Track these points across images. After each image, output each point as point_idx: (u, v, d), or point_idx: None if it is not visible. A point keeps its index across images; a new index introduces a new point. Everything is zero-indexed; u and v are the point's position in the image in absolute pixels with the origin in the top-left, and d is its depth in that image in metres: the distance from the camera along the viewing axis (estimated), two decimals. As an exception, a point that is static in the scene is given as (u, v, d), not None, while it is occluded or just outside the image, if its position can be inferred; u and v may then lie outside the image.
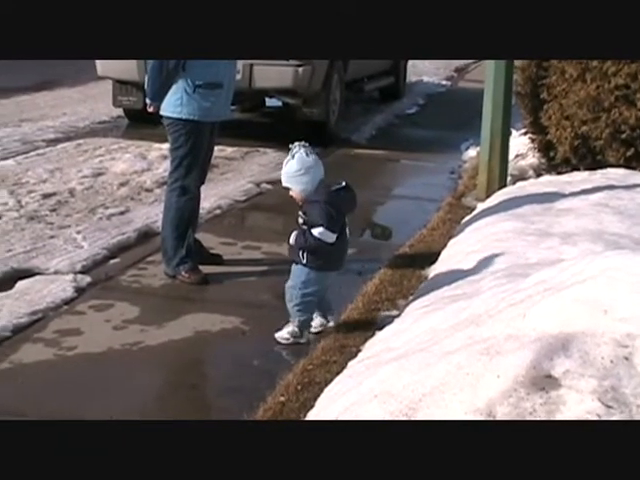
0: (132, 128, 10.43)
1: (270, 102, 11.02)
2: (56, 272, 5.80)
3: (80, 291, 5.51)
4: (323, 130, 10.23)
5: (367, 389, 3.50)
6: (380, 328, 4.65)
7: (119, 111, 10.81)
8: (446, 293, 4.62)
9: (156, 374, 4.64)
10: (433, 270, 5.63)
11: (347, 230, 4.92)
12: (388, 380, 3.46)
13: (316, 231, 4.71)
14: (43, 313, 5.16)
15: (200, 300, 5.48)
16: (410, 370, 3.45)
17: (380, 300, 5.35)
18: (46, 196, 7.53)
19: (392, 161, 10.03)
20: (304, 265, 4.79)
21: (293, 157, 4.77)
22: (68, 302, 5.32)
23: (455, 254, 5.58)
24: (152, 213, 7.10)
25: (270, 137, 10.06)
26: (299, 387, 4.25)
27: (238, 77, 9.20)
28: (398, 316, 4.80)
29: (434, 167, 9.67)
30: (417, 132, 11.56)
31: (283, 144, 9.80)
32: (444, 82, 16.46)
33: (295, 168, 4.75)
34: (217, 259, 6.10)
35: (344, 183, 4.86)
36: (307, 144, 4.84)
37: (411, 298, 5.13)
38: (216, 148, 9.47)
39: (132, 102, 10.25)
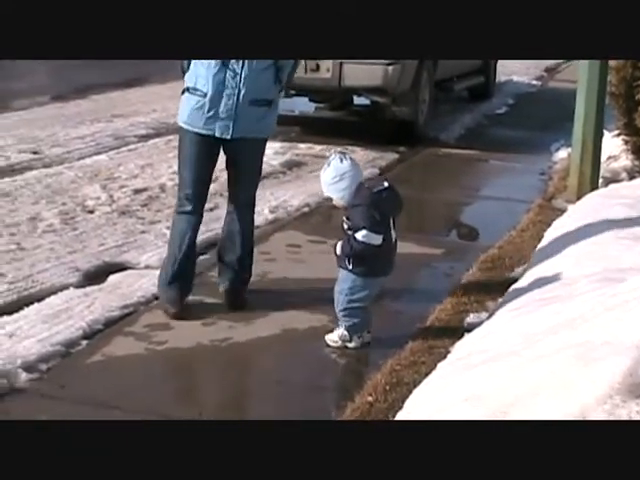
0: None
1: (358, 100, 11.01)
2: (147, 266, 5.88)
3: (170, 286, 5.55)
4: (411, 129, 10.19)
5: (457, 392, 3.47)
6: (469, 330, 4.61)
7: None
8: (538, 296, 4.55)
9: (243, 371, 4.67)
10: (523, 272, 5.55)
11: (393, 233, 4.74)
12: (478, 383, 3.43)
13: (360, 234, 4.59)
14: (134, 307, 5.23)
15: (288, 297, 5.48)
16: (501, 374, 3.40)
17: (469, 302, 5.30)
18: (137, 191, 7.63)
19: (481, 161, 9.93)
20: (350, 271, 4.71)
21: (329, 165, 4.66)
22: (157, 297, 5.37)
23: (546, 256, 5.49)
24: (241, 210, 7.14)
25: (358, 136, 10.06)
26: (387, 387, 4.24)
27: (327, 75, 9.27)
28: (488, 318, 4.75)
29: (523, 168, 9.55)
30: (506, 132, 11.43)
31: (371, 143, 9.90)
32: (534, 82, 16.24)
33: (331, 175, 4.64)
34: (233, 299, 5.39)
35: (386, 184, 4.73)
36: (343, 151, 4.75)
37: (501, 300, 5.06)
38: (304, 146, 9.65)
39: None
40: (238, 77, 4.87)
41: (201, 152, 5.08)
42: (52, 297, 5.33)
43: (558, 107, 11.48)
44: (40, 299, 5.31)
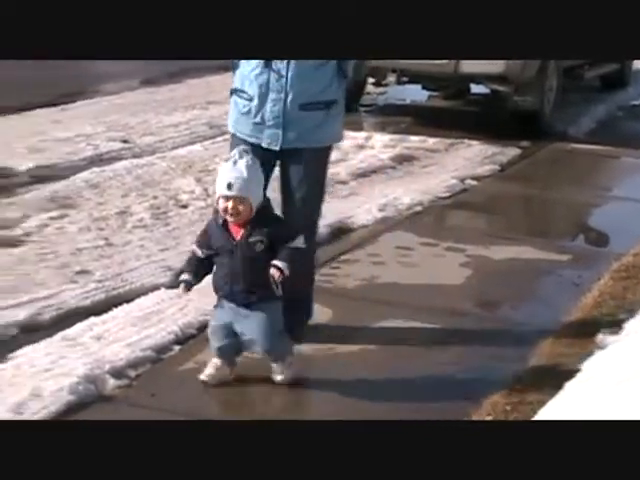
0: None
1: (476, 89, 10.93)
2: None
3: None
4: (536, 121, 10.06)
5: (586, 416, 3.41)
6: (602, 347, 4.53)
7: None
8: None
9: (349, 380, 4.63)
10: (663, 283, 5.45)
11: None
12: (611, 407, 3.37)
13: (300, 242, 4.41)
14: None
15: (399, 305, 5.47)
16: (638, 397, 3.34)
17: (600, 315, 5.21)
18: (234, 185, 7.68)
19: (613, 158, 9.77)
20: (277, 297, 4.45)
21: (243, 156, 4.33)
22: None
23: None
24: (346, 207, 7.16)
25: (476, 128, 9.97)
26: (508, 407, 4.19)
27: (442, 61, 9.20)
28: (623, 335, 4.66)
29: (662, 166, 9.37)
30: (643, 126, 11.22)
31: (490, 136, 9.81)
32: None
33: (253, 169, 4.34)
34: None
35: None
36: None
37: (638, 314, 4.97)
38: (416, 138, 9.61)
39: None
40: (284, 79, 4.55)
41: None
42: (142, 298, 5.41)
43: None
44: (129, 300, 5.40)
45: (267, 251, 4.27)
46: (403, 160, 8.89)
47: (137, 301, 5.35)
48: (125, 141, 9.00)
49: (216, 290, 4.42)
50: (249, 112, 4.67)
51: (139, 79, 12.00)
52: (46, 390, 4.25)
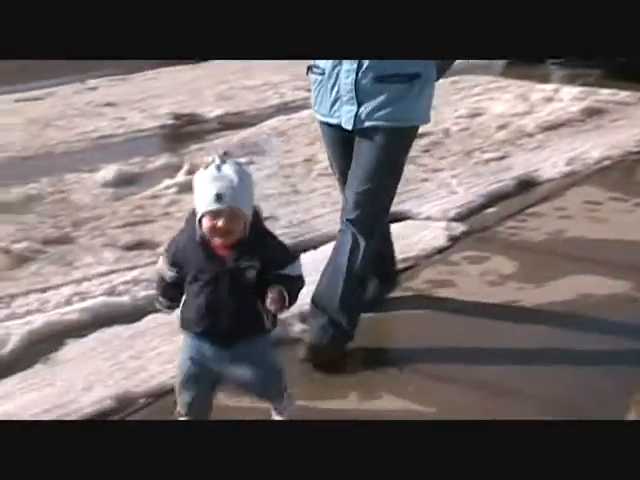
0: (512, 66, 10.38)
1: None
2: (428, 218, 5.94)
3: (453, 240, 5.60)
4: None
5: None
6: None
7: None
8: None
9: (527, 337, 4.58)
10: None
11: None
12: None
13: (298, 266, 3.38)
14: (414, 261, 5.30)
15: (586, 260, 5.37)
16: None
17: None
18: (419, 136, 7.66)
19: None
20: (268, 331, 3.45)
21: (233, 164, 3.20)
22: (441, 251, 5.43)
23: None
24: (534, 160, 7.09)
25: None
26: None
27: None
28: None
29: None
30: None
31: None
32: None
33: (248, 180, 3.26)
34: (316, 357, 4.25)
35: None
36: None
37: None
38: (606, 91, 9.34)
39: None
40: None
41: (336, 148, 4.34)
42: (327, 245, 5.47)
43: None
44: (315, 246, 5.48)
45: (257, 278, 3.21)
46: (592, 113, 8.69)
47: (321, 248, 5.41)
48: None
49: (188, 326, 3.31)
50: (323, 88, 4.16)
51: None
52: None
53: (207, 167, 3.12)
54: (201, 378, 3.35)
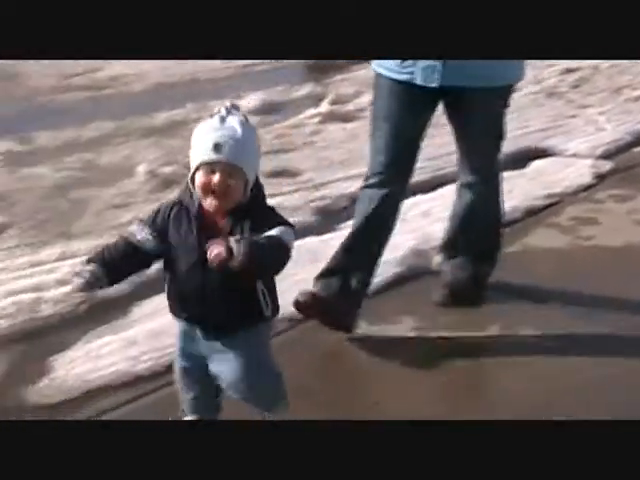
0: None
1: None
2: (574, 154, 5.85)
3: (600, 178, 5.51)
4: None
5: None
6: None
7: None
8: None
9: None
10: None
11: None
12: None
13: (290, 232, 2.77)
14: (559, 197, 5.23)
15: None
16: None
17: None
18: (567, 71, 7.53)
19: None
20: (267, 318, 2.93)
21: (240, 116, 2.80)
22: (586, 188, 5.35)
23: None
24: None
25: None
26: None
27: None
28: None
29: None
30: None
31: None
32: None
33: (254, 135, 2.85)
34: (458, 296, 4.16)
35: None
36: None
37: None
38: None
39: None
40: None
41: (402, 107, 3.80)
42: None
43: None
44: (453, 180, 5.45)
45: None
46: None
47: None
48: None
49: (175, 311, 2.87)
50: None
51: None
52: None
53: (211, 116, 2.73)
54: (194, 372, 2.90)
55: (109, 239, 4.47)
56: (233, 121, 2.69)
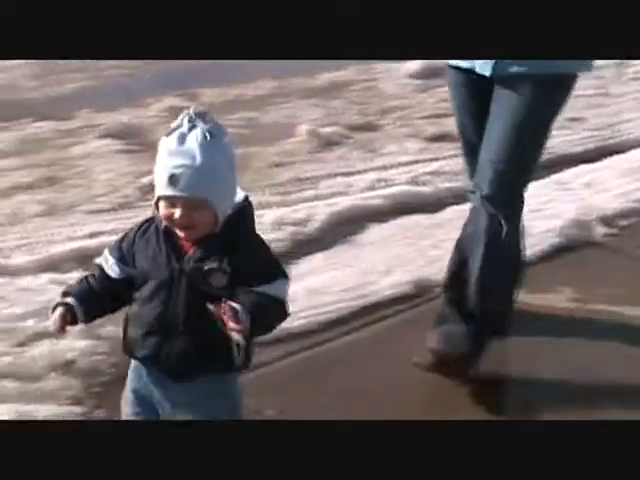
0: None
1: None
2: None
3: None
4: None
5: None
6: None
7: None
8: None
9: None
10: None
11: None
12: None
13: (282, 285, 2.39)
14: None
15: None
16: None
17: None
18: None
19: None
20: (235, 368, 2.49)
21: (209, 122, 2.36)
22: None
23: None
24: None
25: None
26: None
27: None
28: None
29: None
30: None
31: None
32: None
33: (229, 150, 2.42)
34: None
35: None
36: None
37: None
38: None
39: None
40: None
41: (463, 97, 3.47)
42: (635, 151, 5.35)
43: None
44: (620, 151, 5.36)
45: (228, 290, 2.28)
46: None
47: (629, 153, 5.30)
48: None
49: (132, 346, 2.45)
50: None
51: None
52: (535, 229, 4.26)
53: (170, 133, 2.29)
54: (144, 403, 2.49)
55: (268, 197, 4.66)
56: (192, 141, 2.26)
